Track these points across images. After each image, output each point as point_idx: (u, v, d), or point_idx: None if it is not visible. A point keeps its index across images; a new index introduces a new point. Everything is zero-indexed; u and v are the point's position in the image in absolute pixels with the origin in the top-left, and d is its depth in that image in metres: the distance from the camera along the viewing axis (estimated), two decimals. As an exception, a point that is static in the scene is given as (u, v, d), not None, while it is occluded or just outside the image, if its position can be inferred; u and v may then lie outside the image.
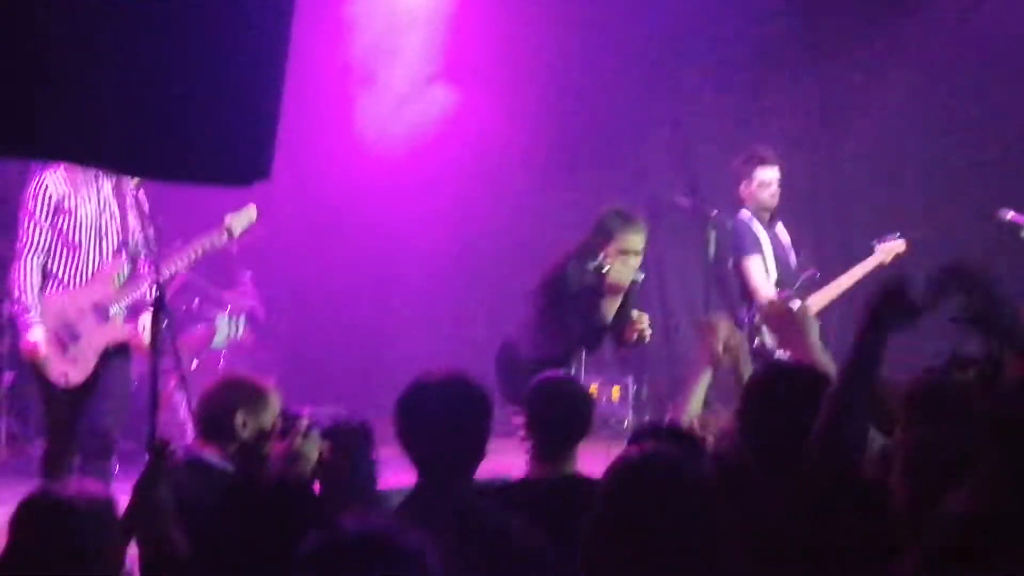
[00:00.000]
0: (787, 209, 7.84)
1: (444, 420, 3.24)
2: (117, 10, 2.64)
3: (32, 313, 5.76)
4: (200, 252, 6.17)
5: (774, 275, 7.02)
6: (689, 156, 9.68)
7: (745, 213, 7.03)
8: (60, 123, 2.74)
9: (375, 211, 9.68)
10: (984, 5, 8.60)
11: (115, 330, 5.92)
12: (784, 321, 3.74)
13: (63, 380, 5.77)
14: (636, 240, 6.26)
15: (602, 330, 6.40)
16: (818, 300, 6.96)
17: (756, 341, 6.73)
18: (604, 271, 6.22)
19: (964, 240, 8.13)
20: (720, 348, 4.14)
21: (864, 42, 9.05)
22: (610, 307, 6.34)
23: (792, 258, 7.14)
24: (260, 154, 3.01)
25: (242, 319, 8.56)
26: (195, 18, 2.79)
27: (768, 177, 7.05)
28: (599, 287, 6.28)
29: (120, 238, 5.95)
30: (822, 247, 8.84)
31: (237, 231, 6.26)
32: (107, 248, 5.92)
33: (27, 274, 5.76)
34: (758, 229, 7.04)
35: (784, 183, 7.04)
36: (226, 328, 8.43)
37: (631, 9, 9.70)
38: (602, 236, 6.25)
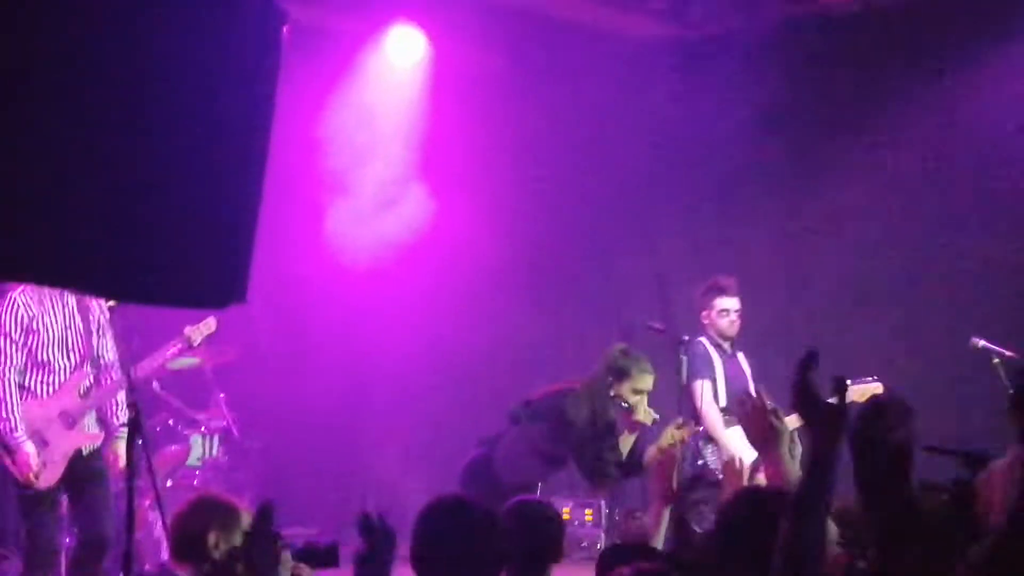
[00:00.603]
0: (758, 337, 7.93)
1: (461, 546, 3.32)
2: (91, 131, 2.67)
3: (19, 432, 5.99)
4: (162, 361, 6.58)
5: (724, 401, 7.31)
6: (663, 281, 9.76)
7: (704, 340, 7.35)
8: (33, 245, 2.76)
9: (348, 325, 9.73)
10: (955, 129, 8.66)
11: (82, 436, 6.17)
12: (759, 422, 3.71)
13: (33, 483, 5.98)
14: (649, 380, 6.51)
15: (617, 466, 6.52)
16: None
17: (699, 462, 6.88)
18: (631, 409, 6.43)
19: (937, 366, 8.17)
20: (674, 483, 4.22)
21: (835, 167, 9.13)
22: (626, 444, 6.52)
23: (750, 386, 7.28)
24: (235, 277, 3.03)
25: (216, 438, 8.58)
26: (172, 139, 2.82)
27: (727, 306, 7.39)
28: (617, 425, 6.47)
29: (83, 352, 6.19)
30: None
31: (196, 341, 6.62)
32: (73, 360, 6.16)
33: (8, 391, 5.99)
34: (713, 355, 7.36)
35: (754, 311, 7.17)
36: (200, 447, 8.45)
37: (610, 134, 9.87)
38: (615, 375, 6.44)
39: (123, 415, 6.19)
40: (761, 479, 7.53)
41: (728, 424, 7.22)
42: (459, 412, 9.46)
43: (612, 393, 6.41)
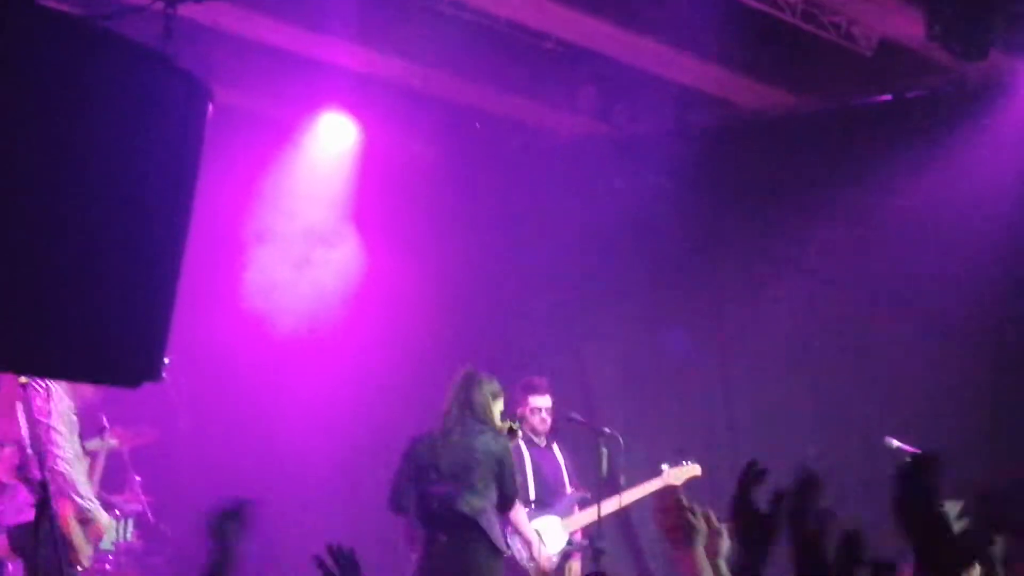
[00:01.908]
0: (685, 429, 7.96)
1: None
2: (7, 207, 2.63)
3: (94, 504, 6.36)
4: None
5: (533, 493, 7.72)
6: (585, 373, 9.79)
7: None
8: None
9: (268, 405, 9.62)
10: (871, 233, 8.81)
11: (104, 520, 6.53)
12: (673, 518, 3.60)
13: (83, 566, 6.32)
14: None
15: None
16: (583, 518, 7.72)
17: (507, 553, 6.97)
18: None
19: (850, 464, 8.24)
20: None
21: (758, 266, 9.25)
22: None
23: (563, 477, 7.86)
24: (150, 356, 2.99)
25: (130, 522, 8.41)
26: (91, 216, 2.79)
27: (538, 404, 7.89)
28: None
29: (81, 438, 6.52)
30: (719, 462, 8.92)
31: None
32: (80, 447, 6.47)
33: (76, 477, 6.28)
34: (524, 450, 7.70)
35: (680, 405, 7.26)
36: (114, 531, 8.21)
37: (538, 227, 9.96)
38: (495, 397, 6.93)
39: None
40: (575, 568, 7.81)
41: (538, 515, 7.65)
42: (382, 488, 9.37)
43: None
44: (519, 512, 7.36)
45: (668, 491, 3.71)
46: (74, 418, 6.30)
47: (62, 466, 6.18)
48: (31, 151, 2.64)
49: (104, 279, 2.82)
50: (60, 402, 6.15)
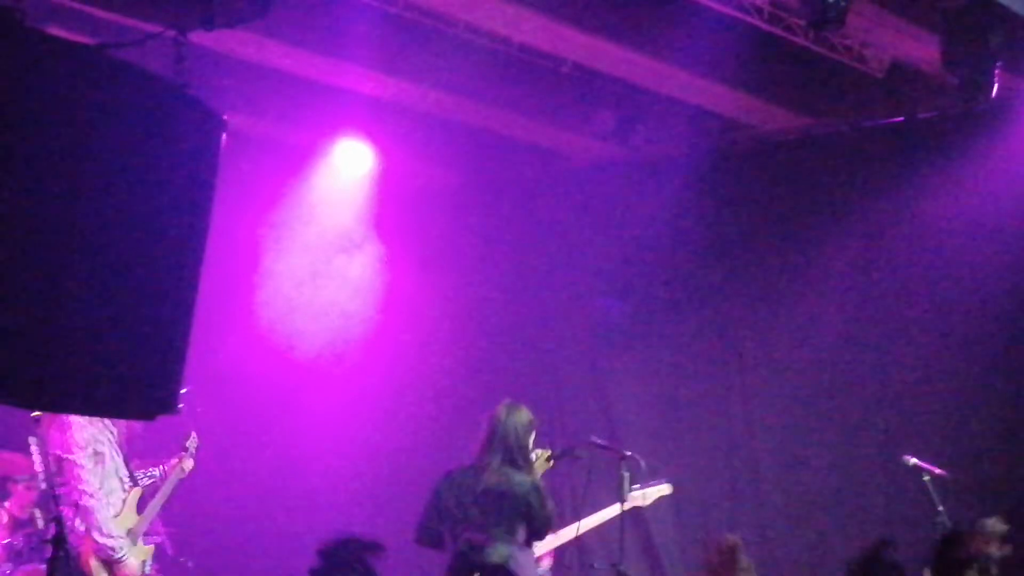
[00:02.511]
0: (698, 455, 7.89)
1: None
2: (24, 239, 2.62)
3: (123, 548, 6.42)
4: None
5: None
6: (605, 396, 9.76)
7: None
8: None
9: (287, 425, 9.62)
10: (886, 253, 8.79)
11: (144, 549, 6.64)
12: (726, 565, 3.61)
13: None
14: None
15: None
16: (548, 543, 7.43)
17: None
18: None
19: (869, 483, 8.19)
20: None
21: (773, 289, 9.22)
22: None
23: None
24: (167, 388, 2.98)
25: (149, 553, 8.34)
26: (107, 248, 2.78)
27: None
28: None
29: (127, 471, 6.56)
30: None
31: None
32: (123, 479, 6.49)
33: (102, 512, 6.33)
34: None
35: (693, 429, 7.22)
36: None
37: (555, 249, 9.97)
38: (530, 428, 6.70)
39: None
40: None
41: None
42: (399, 512, 9.35)
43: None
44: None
45: (727, 544, 3.66)
46: (103, 449, 6.25)
47: (87, 501, 6.15)
48: (45, 183, 2.63)
49: (120, 312, 2.81)
50: (80, 432, 6.09)
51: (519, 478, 6.54)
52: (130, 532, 6.39)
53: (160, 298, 2.91)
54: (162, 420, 3.49)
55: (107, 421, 6.31)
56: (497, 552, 6.48)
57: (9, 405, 5.27)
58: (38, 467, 6.65)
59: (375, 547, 3.76)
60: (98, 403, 3.01)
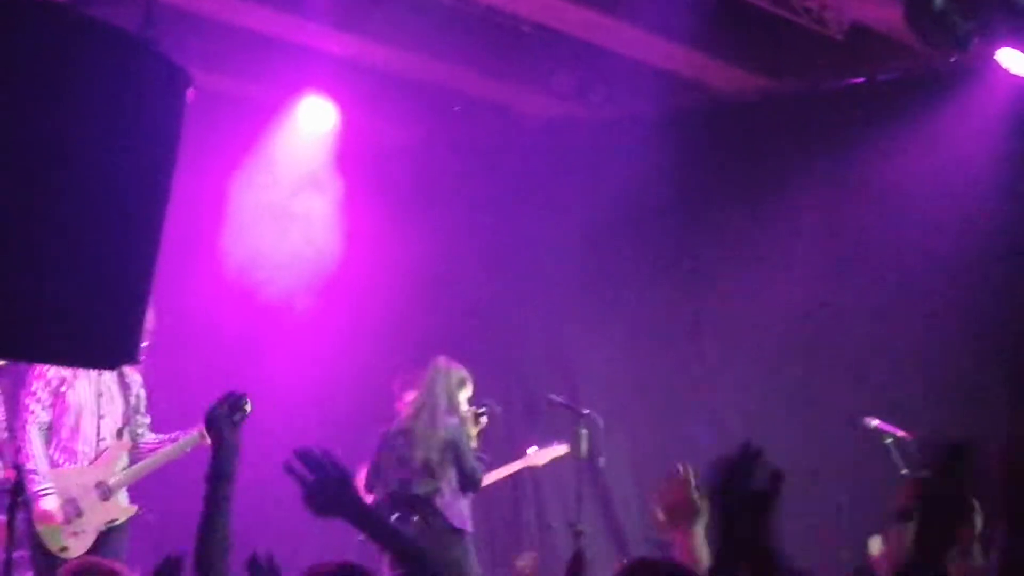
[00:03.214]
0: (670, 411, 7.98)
1: None
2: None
3: (44, 483, 5.94)
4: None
5: None
6: (564, 355, 9.84)
7: None
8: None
9: (250, 375, 9.61)
10: (846, 215, 8.88)
11: (116, 508, 6.25)
12: (678, 494, 3.66)
13: (62, 553, 5.94)
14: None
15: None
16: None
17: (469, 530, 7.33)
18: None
19: (831, 444, 8.29)
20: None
21: (732, 250, 9.30)
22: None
23: None
24: (129, 339, 3.03)
25: (122, 514, 8.30)
26: (69, 199, 2.81)
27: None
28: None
29: (120, 425, 6.29)
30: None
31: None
32: (108, 431, 6.24)
33: (32, 443, 5.96)
34: None
35: (650, 391, 7.34)
36: None
37: (515, 208, 10.02)
38: (460, 385, 7.29)
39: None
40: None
41: None
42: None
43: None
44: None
45: (678, 468, 3.71)
46: (71, 391, 6.10)
47: (28, 430, 5.99)
48: (6, 136, 2.66)
49: (81, 262, 2.84)
50: (49, 372, 6.02)
51: (448, 424, 6.87)
52: (99, 484, 6.18)
53: (122, 250, 2.95)
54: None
55: (123, 376, 6.27)
56: (423, 485, 6.81)
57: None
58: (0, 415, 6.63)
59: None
60: (57, 352, 3.06)
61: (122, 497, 6.33)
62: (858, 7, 7.89)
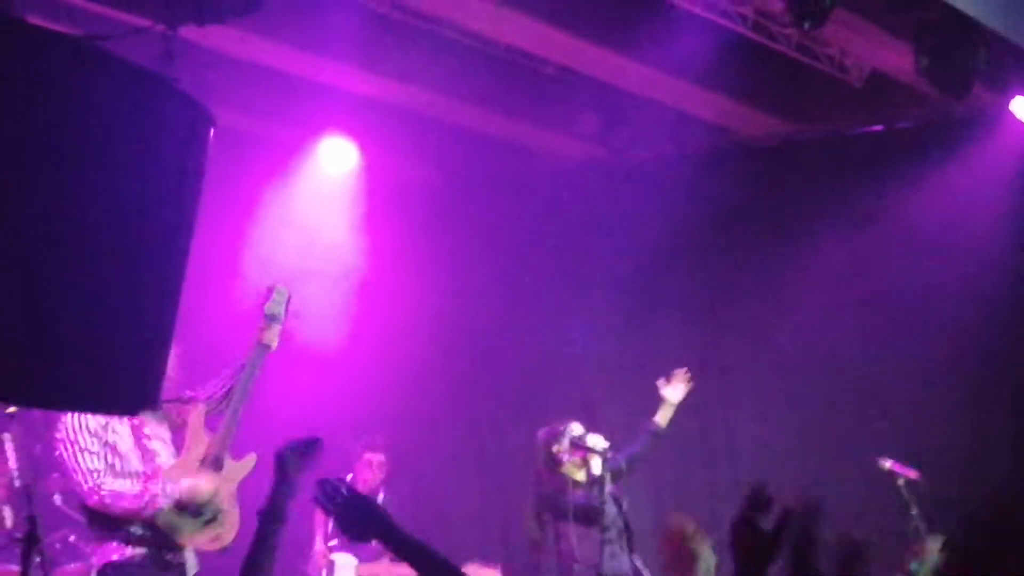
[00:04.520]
0: (676, 454, 7.93)
1: None
2: (8, 233, 2.59)
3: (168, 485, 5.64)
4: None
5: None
6: (587, 396, 9.79)
7: None
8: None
9: (263, 423, 9.62)
10: (868, 258, 8.87)
11: (237, 470, 5.82)
12: (677, 547, 3.65)
13: (219, 548, 5.66)
14: None
15: None
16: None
17: None
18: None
19: (842, 487, 8.24)
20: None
21: (752, 283, 9.32)
22: None
23: None
24: (149, 383, 2.97)
25: (242, 471, 8.12)
26: (92, 242, 2.76)
27: (376, 460, 8.79)
28: None
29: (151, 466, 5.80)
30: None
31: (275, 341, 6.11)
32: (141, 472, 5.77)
33: (115, 493, 5.57)
34: None
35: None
36: None
37: (535, 250, 10.03)
38: None
39: None
40: None
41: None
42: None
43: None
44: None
45: (676, 521, 3.69)
46: (119, 428, 5.69)
47: (102, 488, 5.55)
48: (29, 176, 2.62)
49: (103, 305, 2.79)
50: (89, 420, 5.60)
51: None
52: (204, 461, 5.73)
53: (144, 293, 2.90)
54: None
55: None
56: None
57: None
58: (12, 464, 6.48)
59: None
60: (76, 398, 2.98)
61: (229, 459, 5.89)
62: (877, 55, 7.96)
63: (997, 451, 8.00)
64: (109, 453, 5.66)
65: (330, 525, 8.30)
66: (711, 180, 9.21)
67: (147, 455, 5.78)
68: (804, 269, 9.08)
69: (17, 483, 6.10)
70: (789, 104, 8.84)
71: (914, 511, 7.08)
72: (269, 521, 3.55)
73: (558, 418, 8.05)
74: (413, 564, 3.21)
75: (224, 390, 5.96)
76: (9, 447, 6.34)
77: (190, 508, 5.65)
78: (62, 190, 2.67)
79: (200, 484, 5.68)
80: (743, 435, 9.18)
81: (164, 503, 5.58)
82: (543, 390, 9.98)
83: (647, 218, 9.32)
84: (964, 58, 7.10)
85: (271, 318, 6.06)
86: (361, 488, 8.21)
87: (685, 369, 7.69)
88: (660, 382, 7.74)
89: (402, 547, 3.21)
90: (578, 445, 7.25)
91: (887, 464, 7.36)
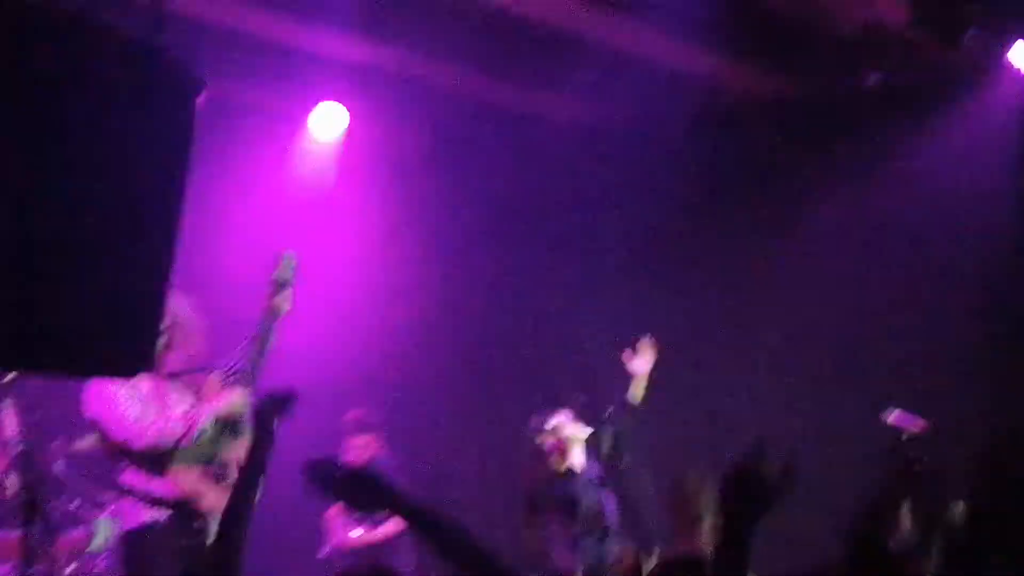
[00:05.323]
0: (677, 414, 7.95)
1: None
2: (2, 208, 2.60)
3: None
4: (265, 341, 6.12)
5: None
6: (587, 361, 9.81)
7: None
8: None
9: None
10: (872, 218, 8.87)
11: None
12: (687, 503, 3.69)
13: None
14: None
15: None
16: None
17: None
18: None
19: (847, 439, 8.27)
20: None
21: (755, 255, 9.32)
22: None
23: None
24: (144, 346, 3.00)
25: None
26: (84, 209, 2.78)
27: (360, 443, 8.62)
28: None
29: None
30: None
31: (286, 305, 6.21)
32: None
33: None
34: None
35: (675, 397, 7.30)
36: (105, 531, 7.69)
37: (527, 213, 10.05)
38: None
39: None
40: None
41: None
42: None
43: None
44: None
45: (680, 480, 3.71)
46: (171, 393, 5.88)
47: (149, 429, 5.73)
48: (19, 144, 2.63)
49: (97, 271, 2.81)
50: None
51: None
52: (219, 419, 5.88)
53: (137, 258, 2.92)
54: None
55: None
56: None
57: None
58: (11, 431, 6.49)
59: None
60: (72, 363, 3.02)
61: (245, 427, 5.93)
62: (871, 8, 7.89)
63: (1014, 407, 7.99)
64: (140, 407, 5.81)
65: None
66: (706, 138, 9.20)
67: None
68: (803, 225, 9.08)
69: (17, 448, 6.11)
70: (782, 60, 8.79)
71: (917, 465, 7.01)
72: (251, 473, 3.63)
73: (557, 395, 8.12)
74: (424, 530, 3.17)
75: (241, 361, 6.08)
76: (9, 413, 6.36)
77: (229, 424, 5.84)
78: (52, 159, 2.68)
79: (235, 396, 5.87)
80: (744, 398, 9.17)
81: (206, 421, 5.79)
82: (538, 363, 9.99)
83: (637, 180, 9.32)
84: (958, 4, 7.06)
85: (281, 284, 6.14)
86: None
87: (649, 335, 7.68)
88: (626, 354, 7.74)
89: (411, 513, 3.16)
90: (558, 436, 7.33)
91: (891, 416, 7.29)
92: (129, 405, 5.77)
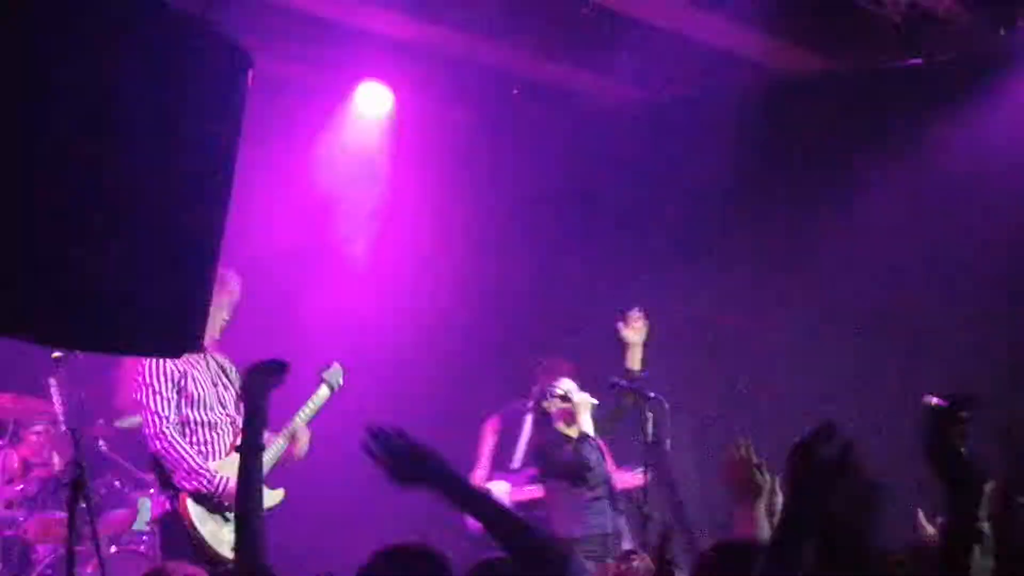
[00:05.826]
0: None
1: None
2: (56, 184, 2.60)
3: (218, 476, 5.80)
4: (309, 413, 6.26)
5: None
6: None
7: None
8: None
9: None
10: (918, 192, 8.81)
11: (269, 496, 5.85)
12: (741, 473, 3.66)
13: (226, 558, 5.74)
14: None
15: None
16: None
17: None
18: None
19: (891, 426, 8.21)
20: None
21: (793, 220, 9.31)
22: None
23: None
24: (193, 325, 3.00)
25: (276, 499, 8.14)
26: (136, 188, 2.78)
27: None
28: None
29: (235, 412, 6.02)
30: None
31: (335, 386, 6.42)
32: (229, 420, 6.00)
33: (180, 447, 5.82)
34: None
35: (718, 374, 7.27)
36: (149, 510, 7.62)
37: (571, 192, 10.00)
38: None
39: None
40: None
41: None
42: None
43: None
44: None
45: (739, 445, 3.71)
46: (191, 384, 5.89)
47: (156, 445, 5.76)
48: (68, 120, 2.63)
49: (146, 249, 2.81)
50: (167, 365, 5.76)
51: None
52: None
53: (186, 236, 2.92)
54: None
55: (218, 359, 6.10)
56: None
57: (31, 342, 5.27)
58: (58, 408, 6.52)
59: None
60: (122, 341, 3.02)
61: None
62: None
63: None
64: (184, 403, 5.85)
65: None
66: (749, 117, 9.11)
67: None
68: (844, 204, 9.02)
69: (62, 427, 6.14)
70: (826, 39, 8.73)
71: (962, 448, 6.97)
72: (250, 455, 3.53)
73: (590, 371, 8.11)
74: (474, 511, 3.15)
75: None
76: (55, 392, 6.39)
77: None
78: (101, 135, 2.68)
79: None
80: (784, 376, 9.14)
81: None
82: (581, 332, 9.95)
83: (684, 158, 9.26)
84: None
85: (326, 384, 6.41)
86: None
87: (638, 309, 7.64)
88: (619, 325, 7.72)
89: (459, 493, 3.14)
90: (567, 401, 7.31)
91: (933, 401, 7.25)
92: (160, 397, 5.84)
